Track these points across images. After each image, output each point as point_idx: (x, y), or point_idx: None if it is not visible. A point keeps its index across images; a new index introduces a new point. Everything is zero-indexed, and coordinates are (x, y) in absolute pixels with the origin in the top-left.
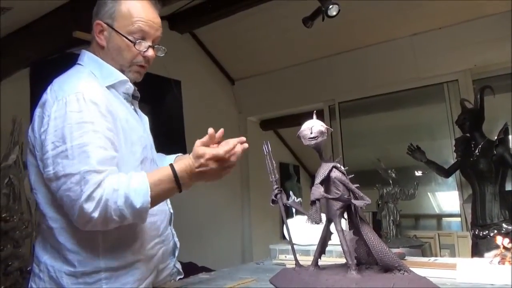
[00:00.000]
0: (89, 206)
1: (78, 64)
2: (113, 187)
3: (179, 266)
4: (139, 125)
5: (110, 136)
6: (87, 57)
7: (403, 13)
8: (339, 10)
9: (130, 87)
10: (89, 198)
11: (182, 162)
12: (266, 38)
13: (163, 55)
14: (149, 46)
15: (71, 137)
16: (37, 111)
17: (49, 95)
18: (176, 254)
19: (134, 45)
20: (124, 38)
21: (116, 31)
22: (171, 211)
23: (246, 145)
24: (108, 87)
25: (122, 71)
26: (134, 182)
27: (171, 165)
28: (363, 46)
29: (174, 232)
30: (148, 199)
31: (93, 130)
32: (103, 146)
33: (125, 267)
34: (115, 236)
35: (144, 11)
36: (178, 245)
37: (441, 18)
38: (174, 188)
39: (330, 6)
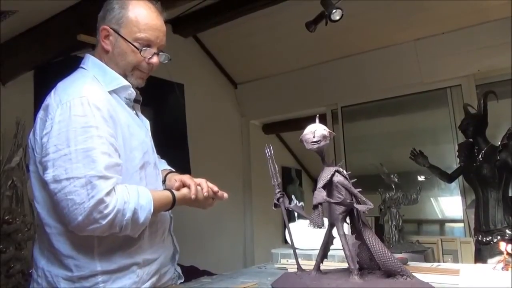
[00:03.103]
0: (98, 212)
1: (82, 68)
2: (124, 199)
3: (179, 270)
4: (141, 130)
5: (113, 142)
6: (90, 62)
7: (407, 18)
8: (342, 15)
9: (132, 93)
10: (99, 203)
11: (182, 192)
12: (269, 42)
13: (166, 61)
14: (154, 53)
15: (76, 141)
16: (40, 113)
17: (52, 99)
18: (177, 259)
19: (140, 52)
20: (130, 45)
21: (122, 37)
22: (171, 215)
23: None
24: (110, 92)
25: (125, 76)
26: (142, 198)
27: (172, 192)
28: (366, 50)
29: (174, 237)
30: (149, 217)
31: (97, 135)
32: (107, 152)
33: (122, 270)
34: (111, 240)
35: (151, 19)
36: (178, 249)
37: (444, 23)
38: (166, 209)
39: (334, 11)
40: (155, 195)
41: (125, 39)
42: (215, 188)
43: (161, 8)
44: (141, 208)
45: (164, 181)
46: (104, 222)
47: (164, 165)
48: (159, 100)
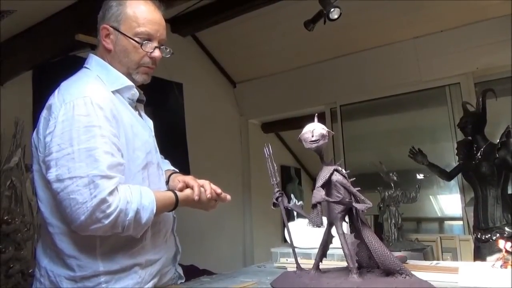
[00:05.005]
0: (101, 212)
1: (85, 67)
2: (126, 199)
3: (180, 270)
4: (144, 130)
5: (116, 141)
6: (94, 61)
7: (405, 16)
8: (340, 13)
9: (135, 93)
10: (102, 203)
11: (184, 193)
12: (268, 41)
13: (169, 56)
14: (156, 47)
15: (79, 140)
16: (43, 113)
17: (56, 98)
18: (178, 259)
19: (141, 46)
20: (131, 40)
21: (122, 33)
22: (174, 216)
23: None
24: (114, 92)
25: (130, 74)
26: (145, 199)
27: (175, 193)
28: (365, 49)
29: (177, 238)
30: (152, 217)
31: (100, 134)
32: (110, 152)
33: (124, 270)
34: (113, 240)
35: (149, 13)
36: (180, 250)
37: (443, 21)
38: (169, 210)
39: (332, 9)
40: (158, 196)
41: (125, 35)
42: (218, 190)
43: (158, 3)
44: (143, 209)
45: (167, 182)
46: (106, 221)
47: (167, 165)
48: (158, 100)
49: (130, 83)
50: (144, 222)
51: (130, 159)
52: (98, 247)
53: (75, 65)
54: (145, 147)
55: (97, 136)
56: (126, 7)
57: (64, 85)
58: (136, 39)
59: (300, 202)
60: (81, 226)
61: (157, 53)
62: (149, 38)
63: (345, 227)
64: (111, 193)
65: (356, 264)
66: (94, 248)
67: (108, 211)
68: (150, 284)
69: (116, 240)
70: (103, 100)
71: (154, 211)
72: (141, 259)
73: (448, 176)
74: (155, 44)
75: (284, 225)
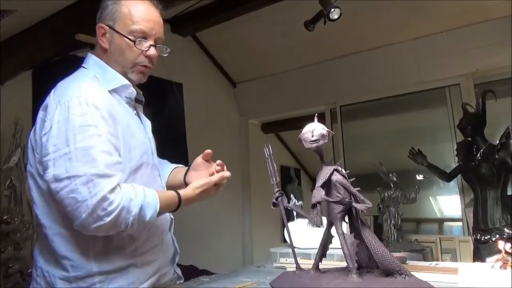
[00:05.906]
0: (102, 210)
1: (83, 67)
2: (130, 197)
3: (179, 271)
4: (140, 130)
5: (113, 140)
6: (92, 61)
7: (405, 17)
8: (340, 14)
9: (132, 92)
10: (103, 201)
11: (185, 191)
12: (268, 41)
13: (166, 55)
14: (151, 45)
15: (75, 140)
16: (40, 114)
17: (51, 99)
18: (177, 260)
19: (135, 44)
20: (125, 38)
21: (117, 32)
22: (172, 217)
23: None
24: (111, 91)
25: (125, 73)
26: (148, 197)
27: (177, 192)
28: (365, 49)
29: (174, 238)
30: (155, 215)
31: (97, 134)
32: (107, 150)
33: (119, 271)
34: (108, 241)
35: (144, 11)
36: (178, 250)
37: (443, 22)
38: (172, 209)
39: (332, 10)
40: (160, 195)
41: (120, 33)
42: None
43: (156, 2)
44: (147, 205)
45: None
46: (108, 219)
47: (164, 163)
48: (157, 100)
49: (126, 82)
50: (148, 220)
51: (125, 159)
52: (91, 248)
53: (75, 65)
54: (141, 147)
55: (93, 135)
56: (121, 5)
57: (60, 85)
58: (130, 37)
59: (300, 202)
60: (83, 225)
61: (152, 51)
62: (144, 36)
63: (345, 227)
64: (112, 190)
65: (356, 264)
66: (87, 249)
67: (110, 208)
68: (146, 284)
69: (110, 241)
70: (99, 99)
71: (158, 209)
72: (136, 260)
73: (448, 177)
74: (150, 42)
75: (283, 225)
